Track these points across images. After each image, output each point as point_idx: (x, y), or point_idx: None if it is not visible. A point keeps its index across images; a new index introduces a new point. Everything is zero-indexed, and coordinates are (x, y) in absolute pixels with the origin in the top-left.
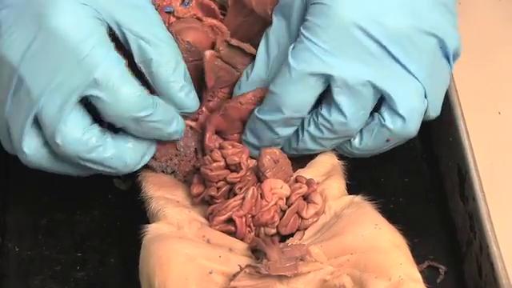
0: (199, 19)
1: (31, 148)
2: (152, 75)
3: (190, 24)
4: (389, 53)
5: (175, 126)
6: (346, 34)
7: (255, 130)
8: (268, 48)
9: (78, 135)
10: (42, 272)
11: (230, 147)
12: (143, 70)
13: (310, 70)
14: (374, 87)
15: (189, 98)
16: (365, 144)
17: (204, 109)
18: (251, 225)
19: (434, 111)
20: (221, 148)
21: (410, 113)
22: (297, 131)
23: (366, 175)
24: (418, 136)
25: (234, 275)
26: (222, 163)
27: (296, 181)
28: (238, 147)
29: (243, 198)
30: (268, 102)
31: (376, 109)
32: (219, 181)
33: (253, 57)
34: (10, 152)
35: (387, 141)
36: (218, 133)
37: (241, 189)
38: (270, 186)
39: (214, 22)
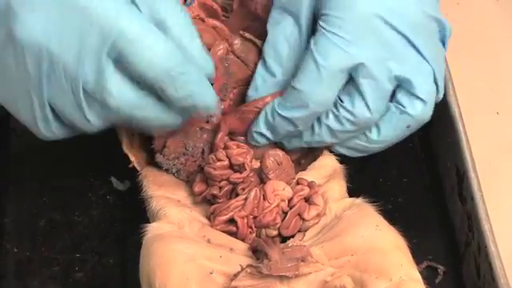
0: (202, 20)
1: (95, 115)
2: None
3: (196, 25)
4: (408, 41)
5: (211, 95)
6: (369, 25)
7: (273, 124)
8: (278, 47)
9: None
10: (41, 273)
11: (235, 147)
12: None
13: (339, 65)
14: (396, 76)
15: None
16: (384, 135)
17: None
18: (253, 226)
19: (441, 92)
20: (226, 148)
21: (428, 96)
22: (311, 125)
23: (366, 176)
24: (417, 136)
25: (235, 275)
26: (226, 163)
27: (298, 183)
28: (243, 148)
29: (245, 199)
30: (292, 98)
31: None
32: (222, 180)
33: None
34: (59, 135)
35: (407, 127)
36: (230, 133)
37: (243, 189)
38: (272, 188)
39: (216, 23)
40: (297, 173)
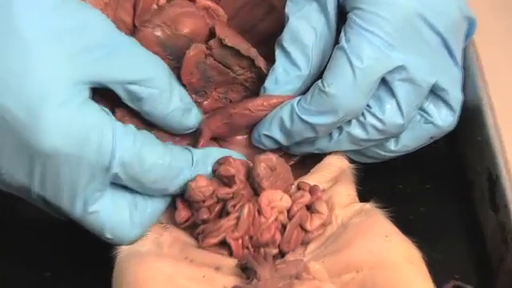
0: (192, 0)
1: None
2: (149, 113)
3: (184, 8)
4: (445, 43)
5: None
6: (409, 24)
7: (290, 129)
8: (302, 36)
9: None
10: None
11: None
12: (137, 109)
13: (379, 69)
14: (433, 82)
15: (191, 117)
16: (403, 145)
17: None
18: (249, 246)
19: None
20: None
21: (457, 104)
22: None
23: (381, 180)
24: None
25: None
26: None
27: (299, 187)
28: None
29: (238, 218)
30: (320, 103)
31: None
32: (206, 199)
33: (251, 59)
34: None
35: (430, 138)
36: (213, 138)
37: (234, 206)
38: (267, 200)
39: (209, 3)
40: (302, 174)
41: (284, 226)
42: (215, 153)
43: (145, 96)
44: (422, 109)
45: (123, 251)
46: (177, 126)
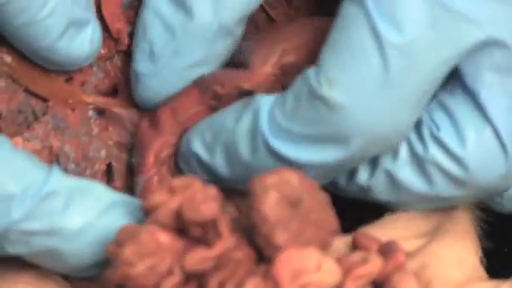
0: None
1: None
2: (9, 24)
3: None
4: None
5: None
6: None
7: (250, 164)
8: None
9: None
10: None
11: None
12: None
13: (444, 45)
14: None
15: (81, 39)
16: None
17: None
18: None
19: None
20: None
21: None
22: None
23: None
24: None
25: None
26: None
27: (355, 245)
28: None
29: None
30: (312, 118)
31: None
32: (162, 279)
33: None
34: None
35: None
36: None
37: (222, 286)
38: (290, 270)
39: None
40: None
41: None
42: (102, 190)
43: None
44: None
45: None
46: (56, 52)
